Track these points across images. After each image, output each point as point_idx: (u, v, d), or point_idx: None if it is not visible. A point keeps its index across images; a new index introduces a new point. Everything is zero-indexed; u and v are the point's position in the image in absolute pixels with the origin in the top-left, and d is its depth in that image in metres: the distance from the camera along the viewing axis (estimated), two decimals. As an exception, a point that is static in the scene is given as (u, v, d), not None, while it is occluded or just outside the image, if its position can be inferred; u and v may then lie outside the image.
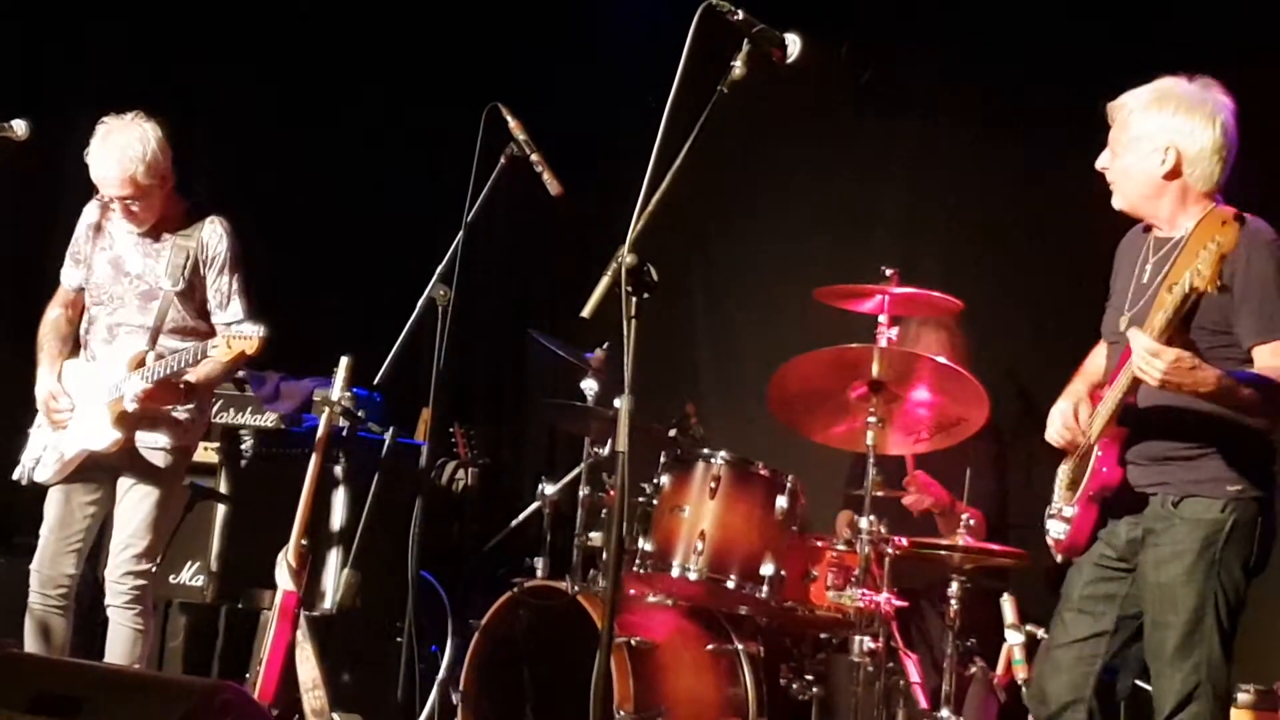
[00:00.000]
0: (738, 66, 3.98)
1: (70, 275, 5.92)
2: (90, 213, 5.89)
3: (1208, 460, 4.31)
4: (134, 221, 5.74)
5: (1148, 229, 4.53)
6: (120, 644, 5.65)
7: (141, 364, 5.59)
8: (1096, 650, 4.46)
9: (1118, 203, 4.51)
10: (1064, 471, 4.57)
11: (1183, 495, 4.32)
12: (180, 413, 5.71)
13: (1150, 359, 4.05)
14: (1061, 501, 4.53)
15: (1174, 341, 4.07)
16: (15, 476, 5.84)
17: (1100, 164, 4.51)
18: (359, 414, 6.16)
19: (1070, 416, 4.52)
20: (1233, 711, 5.35)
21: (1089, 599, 4.49)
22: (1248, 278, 4.23)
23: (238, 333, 5.49)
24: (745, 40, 3.99)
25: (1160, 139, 4.37)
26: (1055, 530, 4.53)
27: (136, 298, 5.75)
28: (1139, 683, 4.53)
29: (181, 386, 5.61)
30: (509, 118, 5.32)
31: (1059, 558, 4.58)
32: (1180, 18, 6.44)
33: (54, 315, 5.93)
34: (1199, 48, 6.08)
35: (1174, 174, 4.39)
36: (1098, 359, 4.73)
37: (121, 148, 5.61)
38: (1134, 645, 4.43)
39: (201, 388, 5.72)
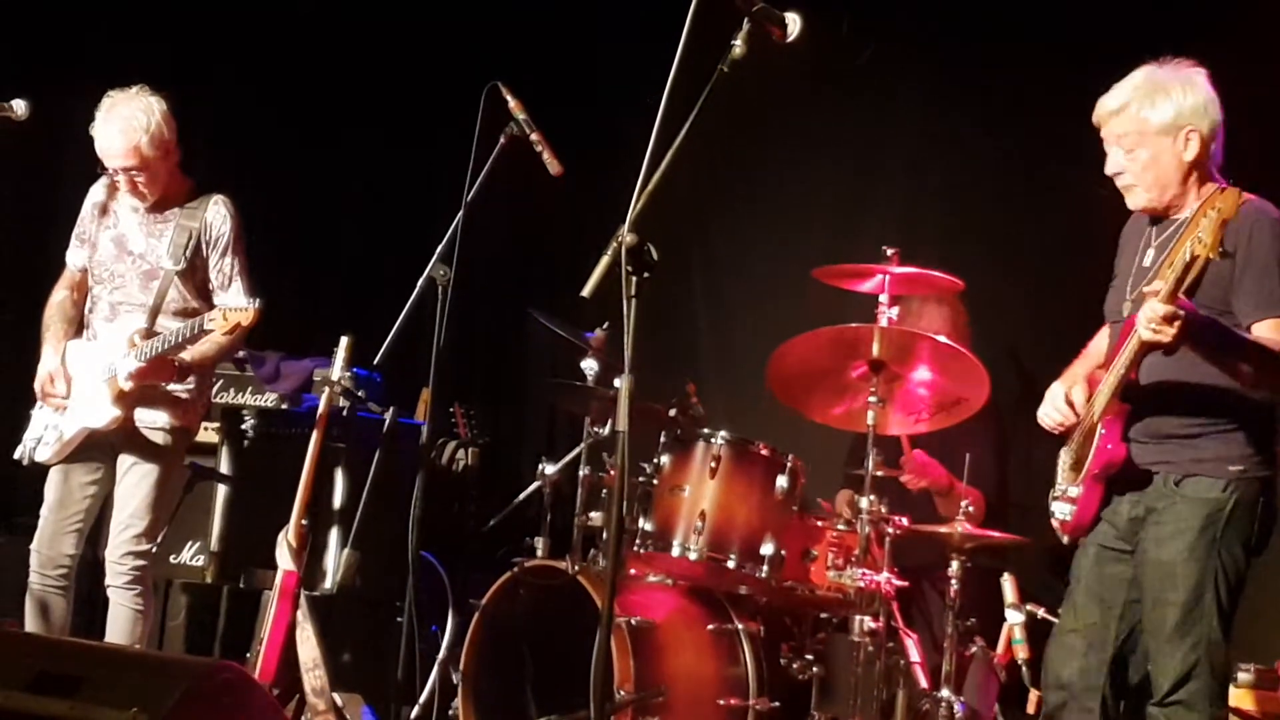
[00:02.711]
0: (738, 45, 3.97)
1: (75, 256, 5.92)
2: (96, 192, 5.90)
3: (1210, 439, 4.32)
4: (138, 196, 5.74)
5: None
6: (120, 624, 5.66)
7: (145, 338, 5.59)
8: (1106, 636, 4.47)
9: (1139, 202, 4.47)
10: (1066, 453, 4.57)
11: (1185, 474, 4.33)
12: (180, 392, 5.71)
13: (1161, 325, 4.03)
14: (1065, 483, 4.53)
15: None
16: (16, 456, 5.84)
17: (1112, 169, 4.46)
18: (359, 394, 6.15)
19: (1061, 400, 4.52)
20: (1234, 690, 5.37)
21: (1096, 581, 4.50)
22: (1248, 254, 4.23)
23: (233, 305, 5.49)
24: (745, 19, 3.98)
25: (1182, 124, 4.35)
26: (1061, 512, 4.53)
27: (138, 277, 5.75)
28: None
29: (176, 364, 5.61)
30: (509, 97, 5.31)
31: (1065, 539, 4.58)
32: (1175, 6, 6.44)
33: (59, 297, 5.93)
34: (1196, 31, 6.08)
35: (1197, 157, 4.38)
36: (1101, 341, 4.73)
37: (126, 119, 5.61)
38: (1142, 632, 4.43)
39: (197, 366, 5.71)
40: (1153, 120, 4.36)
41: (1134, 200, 4.47)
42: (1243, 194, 4.03)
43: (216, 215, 5.78)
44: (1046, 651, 4.76)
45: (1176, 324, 4.00)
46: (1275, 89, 5.88)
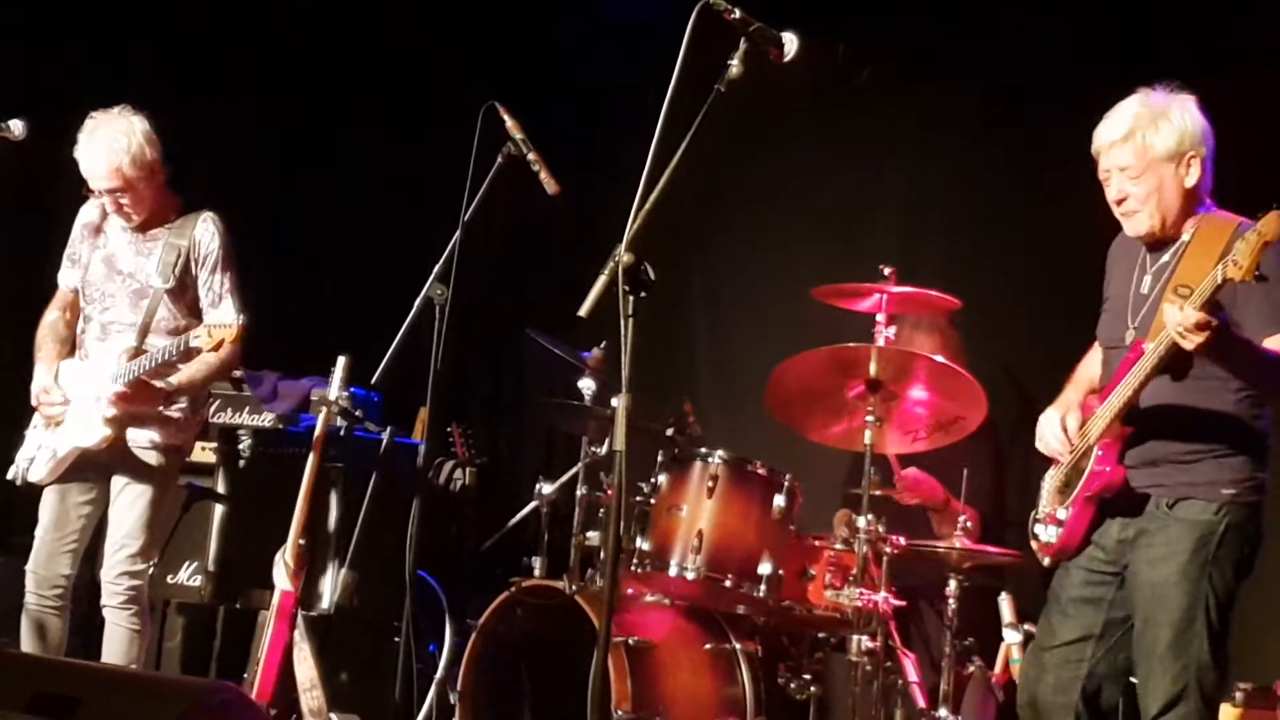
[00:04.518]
0: (735, 65, 3.97)
1: (67, 276, 5.93)
2: (87, 213, 5.90)
3: (1204, 464, 4.33)
4: (124, 216, 5.75)
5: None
6: (117, 644, 5.65)
7: (134, 357, 5.59)
8: (1082, 655, 4.47)
9: (1140, 228, 4.43)
10: (1053, 476, 4.57)
11: (1178, 497, 4.34)
12: (172, 411, 5.71)
13: (1191, 330, 4.02)
14: (1052, 506, 4.53)
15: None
16: (10, 476, 5.84)
17: (1116, 195, 4.42)
18: (357, 413, 6.15)
19: (1059, 427, 4.52)
20: (1229, 709, 5.36)
21: (1076, 601, 4.50)
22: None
23: (218, 322, 5.49)
24: (742, 39, 3.98)
25: (1185, 150, 4.36)
26: (1046, 534, 4.53)
27: (128, 296, 5.76)
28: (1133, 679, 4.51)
29: (162, 387, 5.60)
30: (506, 117, 5.31)
31: (1047, 561, 4.58)
32: (1175, 18, 6.45)
33: (52, 318, 5.93)
34: (1193, 49, 6.10)
35: (1197, 183, 4.39)
36: (1090, 366, 4.74)
37: (108, 140, 5.62)
38: (1122, 653, 4.43)
39: (186, 388, 5.70)
40: (1158, 147, 4.35)
41: (1135, 227, 4.44)
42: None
43: (205, 232, 5.78)
44: (1022, 669, 4.76)
45: (1206, 333, 4.01)
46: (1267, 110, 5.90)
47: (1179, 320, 4.03)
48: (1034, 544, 4.59)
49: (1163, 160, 4.36)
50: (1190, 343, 4.05)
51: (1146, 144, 4.36)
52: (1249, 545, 4.35)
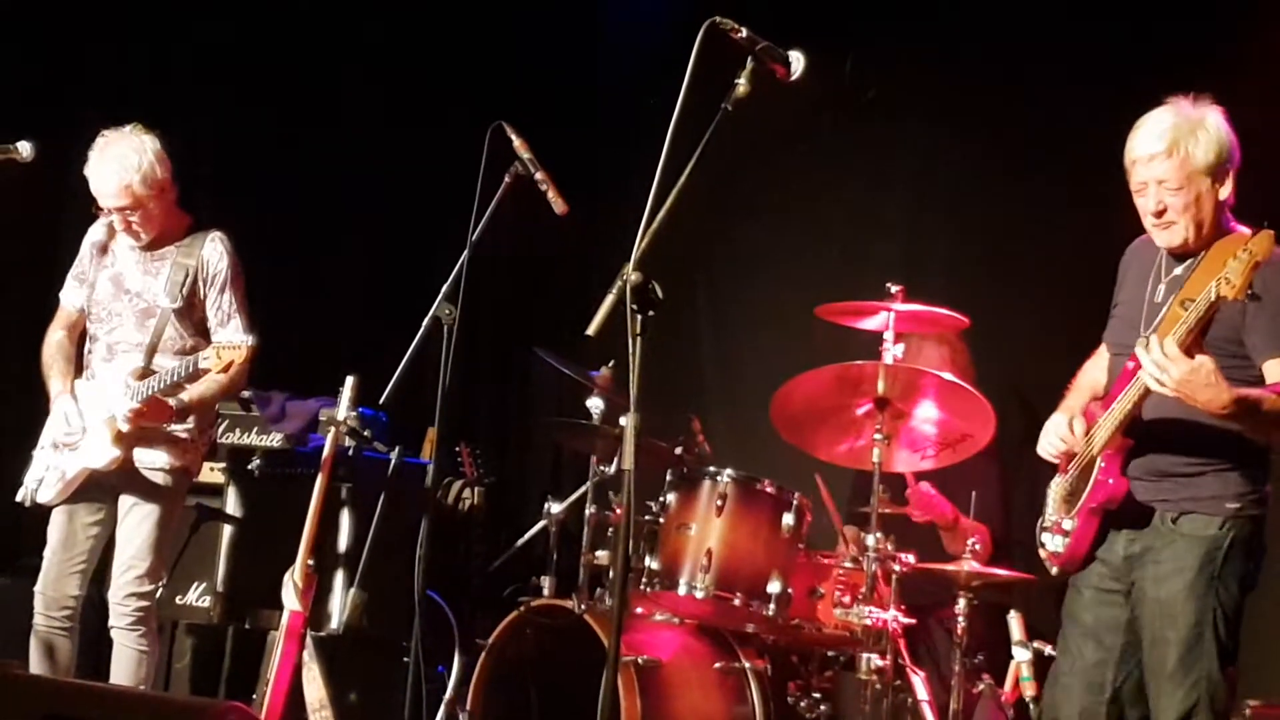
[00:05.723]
0: (741, 84, 3.99)
1: (72, 296, 5.92)
2: (96, 232, 5.91)
3: (1207, 478, 4.33)
4: (133, 235, 5.75)
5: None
6: (125, 665, 5.65)
7: (141, 377, 5.59)
8: (1103, 678, 4.45)
9: (1175, 239, 4.38)
10: (1059, 484, 4.56)
11: (1181, 512, 4.33)
12: (180, 432, 5.70)
13: (1166, 366, 4.03)
14: (1058, 514, 4.52)
15: (1192, 354, 4.05)
16: (19, 498, 5.83)
17: (1155, 206, 4.35)
18: (365, 434, 6.15)
19: (1065, 429, 4.51)
20: (1237, 727, 5.35)
21: (1091, 623, 4.49)
22: (1265, 293, 4.20)
23: (227, 342, 5.49)
24: (749, 58, 4.00)
25: (1223, 163, 4.33)
26: (1053, 544, 4.52)
27: (135, 315, 5.76)
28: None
29: (173, 404, 5.61)
30: (514, 137, 5.32)
31: (1055, 570, 4.56)
32: (1181, 28, 6.45)
33: (56, 337, 5.93)
34: (1199, 60, 6.10)
35: (1230, 195, 4.37)
36: (1093, 371, 4.74)
37: (118, 159, 5.63)
38: (1140, 672, 4.42)
39: (197, 406, 5.70)
40: (1198, 159, 4.31)
41: (1171, 238, 4.39)
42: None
43: (213, 252, 5.78)
44: (1045, 695, 4.74)
45: (1176, 370, 4.00)
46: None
47: (1155, 354, 4.03)
48: (1041, 552, 4.58)
49: (1201, 173, 4.32)
50: (1164, 382, 4.05)
51: (1188, 154, 4.31)
52: (1254, 559, 4.35)
